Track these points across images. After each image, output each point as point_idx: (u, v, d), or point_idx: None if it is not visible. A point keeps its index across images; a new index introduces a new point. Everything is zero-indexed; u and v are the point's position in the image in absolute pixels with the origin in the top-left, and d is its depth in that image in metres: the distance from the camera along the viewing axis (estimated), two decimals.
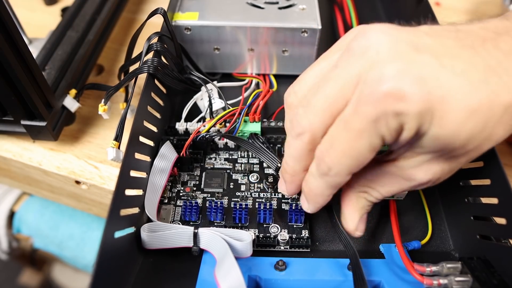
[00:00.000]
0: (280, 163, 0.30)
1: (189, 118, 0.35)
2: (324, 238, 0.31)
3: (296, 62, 0.40)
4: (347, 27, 0.47)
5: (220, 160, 0.34)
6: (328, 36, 0.48)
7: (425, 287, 0.25)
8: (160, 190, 0.31)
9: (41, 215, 0.53)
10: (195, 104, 0.37)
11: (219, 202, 0.30)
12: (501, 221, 0.25)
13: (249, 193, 0.32)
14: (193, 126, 0.34)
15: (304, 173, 0.25)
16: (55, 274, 0.74)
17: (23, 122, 0.33)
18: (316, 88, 0.22)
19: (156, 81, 0.33)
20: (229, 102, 0.37)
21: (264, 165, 0.34)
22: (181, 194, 0.32)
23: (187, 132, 0.35)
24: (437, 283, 0.25)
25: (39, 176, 0.39)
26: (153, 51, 0.32)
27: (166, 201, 0.32)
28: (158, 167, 0.31)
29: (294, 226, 0.30)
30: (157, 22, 0.34)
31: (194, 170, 0.34)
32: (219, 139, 0.34)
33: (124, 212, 0.26)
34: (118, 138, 0.30)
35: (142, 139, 0.30)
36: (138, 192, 0.29)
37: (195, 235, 0.27)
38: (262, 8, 0.38)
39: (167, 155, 0.32)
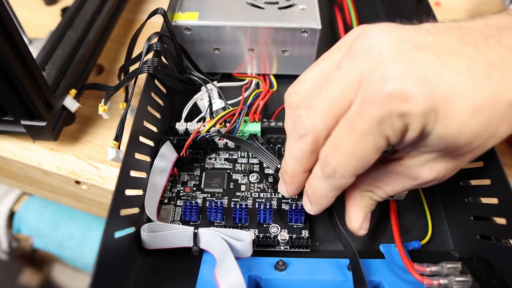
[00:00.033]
0: (280, 164, 0.30)
1: (189, 118, 0.35)
2: (324, 238, 0.31)
3: (296, 62, 0.40)
4: (347, 27, 0.47)
5: (220, 160, 0.34)
6: (328, 36, 0.48)
7: (425, 287, 0.25)
8: (160, 190, 0.31)
9: (41, 215, 0.53)
10: (195, 104, 0.37)
11: (219, 202, 0.30)
12: (501, 221, 0.25)
13: (249, 193, 0.32)
14: (193, 126, 0.34)
15: (304, 174, 0.25)
16: (55, 274, 0.74)
17: (23, 122, 0.33)
18: (319, 89, 0.22)
19: (156, 81, 0.33)
20: (229, 102, 0.37)
21: (264, 165, 0.34)
22: (181, 194, 0.32)
23: (187, 132, 0.35)
24: (437, 283, 0.25)
25: (39, 176, 0.39)
26: (153, 51, 0.32)
27: (166, 201, 0.32)
28: (158, 167, 0.31)
29: (294, 226, 0.30)
30: (157, 22, 0.34)
31: (194, 170, 0.34)
32: (219, 139, 0.34)
33: (124, 212, 0.26)
34: (118, 138, 0.30)
35: (142, 139, 0.30)
36: (138, 192, 0.29)
37: (195, 235, 0.27)
38: (262, 8, 0.38)
39: (167, 155, 0.32)
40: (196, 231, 0.27)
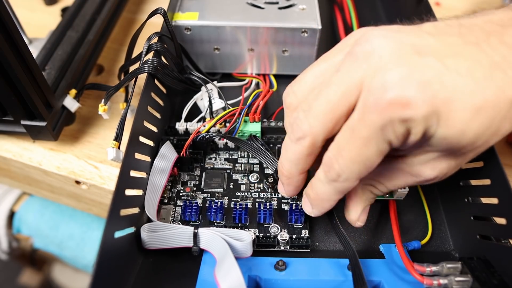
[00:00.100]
0: None
1: (189, 118, 0.35)
2: (324, 238, 0.31)
3: (296, 62, 0.40)
4: (347, 27, 0.47)
5: (220, 160, 0.34)
6: (328, 36, 0.48)
7: (425, 287, 0.25)
8: (160, 190, 0.31)
9: (41, 215, 0.53)
10: (195, 104, 0.37)
11: (219, 202, 0.30)
12: (501, 221, 0.25)
13: (249, 193, 0.32)
14: (193, 126, 0.34)
15: (301, 175, 0.25)
16: (55, 274, 0.74)
17: (23, 122, 0.33)
18: (318, 92, 0.22)
19: (156, 81, 0.33)
20: (229, 102, 0.37)
21: (264, 165, 0.34)
22: (181, 194, 0.32)
23: (187, 132, 0.35)
24: (437, 283, 0.25)
25: (39, 176, 0.39)
26: (153, 51, 0.32)
27: (166, 201, 0.32)
28: (158, 167, 0.31)
29: (294, 226, 0.30)
30: (157, 22, 0.34)
31: (194, 170, 0.34)
32: (219, 139, 0.34)
33: (124, 212, 0.26)
34: (118, 138, 0.30)
35: (142, 139, 0.30)
36: (138, 192, 0.29)
37: (195, 235, 0.27)
38: (262, 8, 0.38)
39: (167, 155, 0.32)
40: (196, 231, 0.27)
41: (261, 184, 0.33)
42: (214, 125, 0.33)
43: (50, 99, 0.33)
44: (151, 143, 0.32)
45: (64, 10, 0.49)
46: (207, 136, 0.32)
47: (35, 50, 0.37)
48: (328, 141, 0.22)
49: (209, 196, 0.32)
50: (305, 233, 0.30)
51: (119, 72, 0.36)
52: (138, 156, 0.29)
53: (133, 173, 0.27)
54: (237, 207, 0.30)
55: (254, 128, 0.34)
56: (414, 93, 0.18)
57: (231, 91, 0.40)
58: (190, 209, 0.30)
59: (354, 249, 0.26)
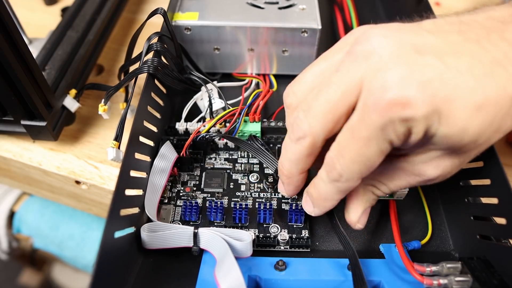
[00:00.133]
0: None
1: (189, 118, 0.35)
2: (324, 238, 0.31)
3: (296, 62, 0.40)
4: (347, 27, 0.47)
5: (220, 160, 0.34)
6: (328, 36, 0.48)
7: (425, 287, 0.25)
8: (160, 190, 0.31)
9: (41, 215, 0.53)
10: (195, 104, 0.37)
11: (219, 202, 0.30)
12: (501, 221, 0.25)
13: (249, 193, 0.32)
14: (193, 126, 0.34)
15: (301, 175, 0.25)
16: (55, 274, 0.74)
17: (23, 122, 0.33)
18: (317, 92, 0.22)
19: (156, 81, 0.33)
20: (229, 102, 0.37)
21: (264, 165, 0.34)
22: (181, 194, 0.32)
23: (187, 132, 0.35)
24: (437, 283, 0.25)
25: (39, 176, 0.39)
26: (153, 51, 0.32)
27: (166, 201, 0.32)
28: (158, 167, 0.31)
29: (294, 226, 0.30)
30: (157, 22, 0.34)
31: (194, 170, 0.34)
32: (219, 139, 0.34)
33: (124, 212, 0.26)
34: (118, 138, 0.30)
35: (142, 139, 0.30)
36: (138, 192, 0.29)
37: (195, 235, 0.27)
38: (262, 8, 0.38)
39: (167, 155, 0.32)
40: (196, 231, 0.27)
41: (261, 184, 0.33)
42: (214, 125, 0.33)
43: (50, 99, 0.33)
44: (151, 143, 0.32)
45: (64, 10, 0.49)
46: (207, 136, 0.32)
47: (35, 50, 0.37)
48: (329, 140, 0.22)
49: (209, 196, 0.32)
50: (305, 233, 0.30)
51: (119, 72, 0.36)
52: (138, 156, 0.29)
53: (133, 173, 0.27)
54: (237, 207, 0.30)
55: (254, 128, 0.34)
56: (414, 92, 0.18)
57: (231, 91, 0.40)
58: (190, 209, 0.30)
59: (354, 249, 0.26)
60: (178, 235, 0.27)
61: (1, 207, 0.53)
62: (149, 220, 0.29)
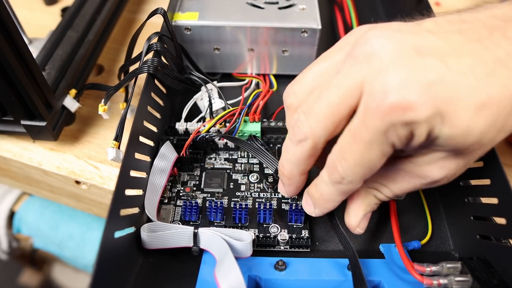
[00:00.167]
0: None
1: (189, 118, 0.35)
2: (324, 238, 0.31)
3: (296, 62, 0.40)
4: (347, 27, 0.47)
5: (220, 160, 0.34)
6: (328, 36, 0.48)
7: (425, 287, 0.25)
8: (160, 190, 0.31)
9: (41, 215, 0.53)
10: (195, 104, 0.37)
11: (219, 202, 0.30)
12: (501, 221, 0.25)
13: (249, 193, 0.32)
14: (193, 126, 0.34)
15: (302, 176, 0.25)
16: (55, 274, 0.74)
17: (23, 122, 0.33)
18: (318, 93, 0.22)
19: (156, 81, 0.33)
20: (229, 102, 0.37)
21: (264, 165, 0.34)
22: (181, 194, 0.32)
23: (187, 132, 0.35)
24: (437, 283, 0.25)
25: (39, 176, 0.39)
26: (153, 51, 0.32)
27: (166, 201, 0.32)
28: (158, 167, 0.31)
29: (294, 226, 0.30)
30: (157, 22, 0.34)
31: (194, 170, 0.34)
32: (219, 139, 0.34)
33: (124, 212, 0.26)
34: (118, 138, 0.30)
35: (142, 139, 0.30)
36: (138, 192, 0.29)
37: (195, 235, 0.27)
38: (262, 8, 0.38)
39: (167, 155, 0.32)
40: (196, 231, 0.27)
41: (261, 184, 0.33)
42: (214, 125, 0.33)
43: (50, 99, 0.33)
44: (151, 143, 0.32)
45: (64, 10, 0.49)
46: (207, 136, 0.32)
47: (35, 50, 0.37)
48: (330, 142, 0.22)
49: (209, 196, 0.32)
50: (305, 233, 0.30)
51: (119, 72, 0.36)
52: (138, 156, 0.29)
53: (133, 173, 0.27)
54: (237, 207, 0.30)
55: (254, 128, 0.34)
56: (415, 95, 0.18)
57: (231, 91, 0.40)
58: (190, 209, 0.30)
59: (354, 249, 0.26)
60: (178, 235, 0.27)
61: (1, 207, 0.53)
62: (149, 220, 0.29)
